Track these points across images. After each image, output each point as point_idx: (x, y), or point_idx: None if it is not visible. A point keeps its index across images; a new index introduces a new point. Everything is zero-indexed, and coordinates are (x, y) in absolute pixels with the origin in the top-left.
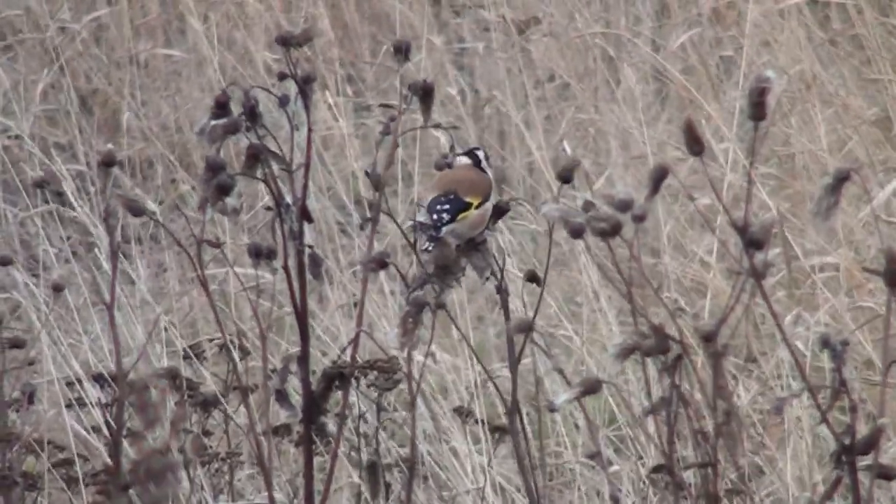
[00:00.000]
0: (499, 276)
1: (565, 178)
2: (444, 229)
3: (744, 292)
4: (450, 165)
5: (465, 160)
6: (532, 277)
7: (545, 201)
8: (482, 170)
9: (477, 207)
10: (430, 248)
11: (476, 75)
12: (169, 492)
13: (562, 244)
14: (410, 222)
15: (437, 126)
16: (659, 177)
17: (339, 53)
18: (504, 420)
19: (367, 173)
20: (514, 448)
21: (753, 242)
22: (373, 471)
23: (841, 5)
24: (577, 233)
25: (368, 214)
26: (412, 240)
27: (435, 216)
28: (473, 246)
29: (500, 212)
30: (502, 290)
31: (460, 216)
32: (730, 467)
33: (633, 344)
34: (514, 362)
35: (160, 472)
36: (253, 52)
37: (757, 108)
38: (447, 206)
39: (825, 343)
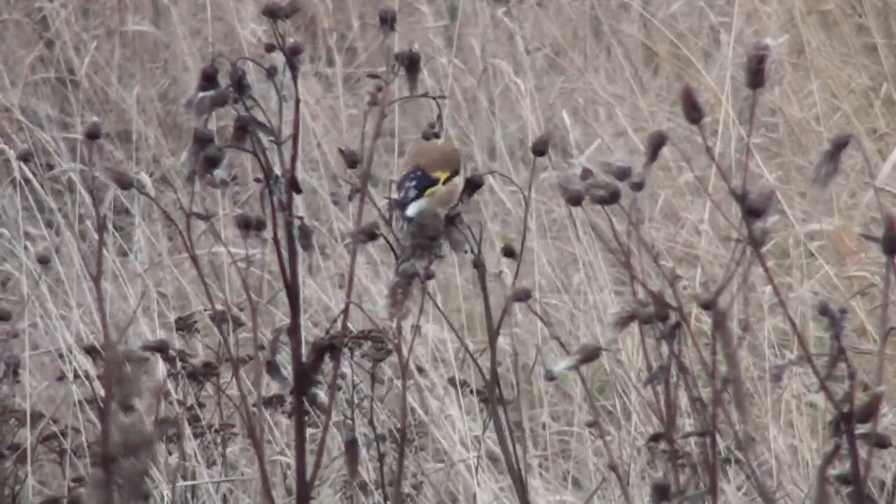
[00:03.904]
0: (476, 249)
1: (539, 150)
2: (412, 206)
3: (740, 261)
4: (437, 135)
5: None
6: (508, 252)
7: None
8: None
9: (445, 182)
10: (404, 227)
11: (465, 45)
12: (146, 465)
13: (556, 210)
14: (385, 200)
15: (424, 96)
16: (657, 144)
17: (329, 24)
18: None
19: (341, 151)
20: (494, 421)
21: (753, 211)
22: (352, 448)
23: None
24: (575, 200)
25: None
26: (388, 217)
27: (403, 193)
28: (448, 220)
29: (473, 185)
30: (480, 265)
31: (428, 192)
32: (727, 436)
33: (631, 312)
34: (493, 335)
35: (138, 446)
36: (242, 23)
37: (756, 75)
38: (414, 183)
39: (824, 311)
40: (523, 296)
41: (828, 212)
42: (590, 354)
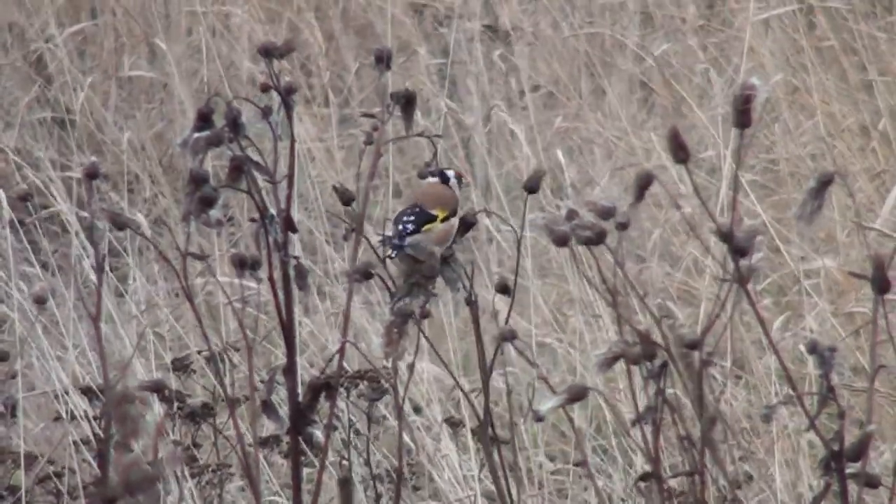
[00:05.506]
0: (468, 287)
1: (531, 188)
2: (408, 240)
3: (730, 299)
4: (432, 174)
5: (434, 179)
6: (502, 288)
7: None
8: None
9: (443, 221)
10: (394, 257)
11: (459, 85)
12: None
13: (552, 250)
14: (378, 236)
15: (420, 135)
16: (643, 184)
17: (324, 64)
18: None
19: (335, 188)
20: (486, 459)
21: (738, 249)
22: (345, 487)
23: (827, 11)
24: (561, 241)
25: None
26: (381, 254)
27: (400, 227)
28: (443, 259)
29: (466, 225)
30: (472, 303)
31: (425, 227)
32: (719, 474)
33: (618, 352)
34: (485, 374)
35: (141, 484)
36: (238, 63)
37: (742, 115)
38: (412, 218)
39: (813, 349)
40: (509, 336)
41: (827, 249)
42: (577, 394)
